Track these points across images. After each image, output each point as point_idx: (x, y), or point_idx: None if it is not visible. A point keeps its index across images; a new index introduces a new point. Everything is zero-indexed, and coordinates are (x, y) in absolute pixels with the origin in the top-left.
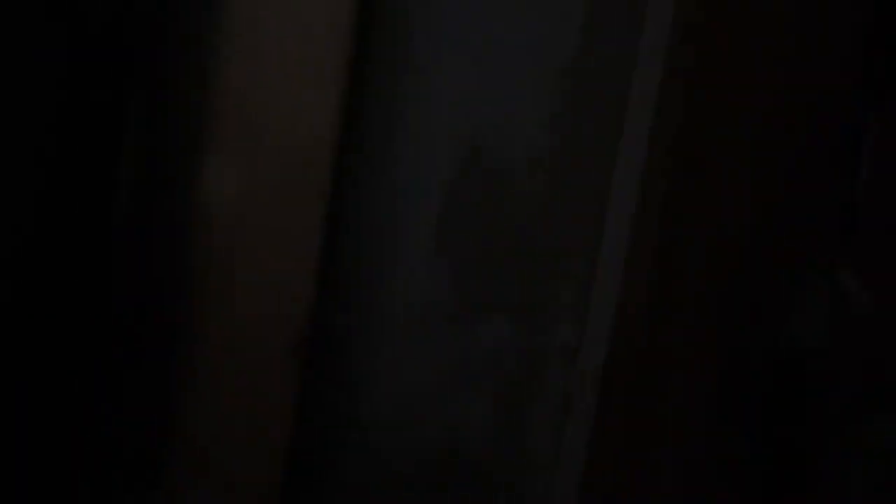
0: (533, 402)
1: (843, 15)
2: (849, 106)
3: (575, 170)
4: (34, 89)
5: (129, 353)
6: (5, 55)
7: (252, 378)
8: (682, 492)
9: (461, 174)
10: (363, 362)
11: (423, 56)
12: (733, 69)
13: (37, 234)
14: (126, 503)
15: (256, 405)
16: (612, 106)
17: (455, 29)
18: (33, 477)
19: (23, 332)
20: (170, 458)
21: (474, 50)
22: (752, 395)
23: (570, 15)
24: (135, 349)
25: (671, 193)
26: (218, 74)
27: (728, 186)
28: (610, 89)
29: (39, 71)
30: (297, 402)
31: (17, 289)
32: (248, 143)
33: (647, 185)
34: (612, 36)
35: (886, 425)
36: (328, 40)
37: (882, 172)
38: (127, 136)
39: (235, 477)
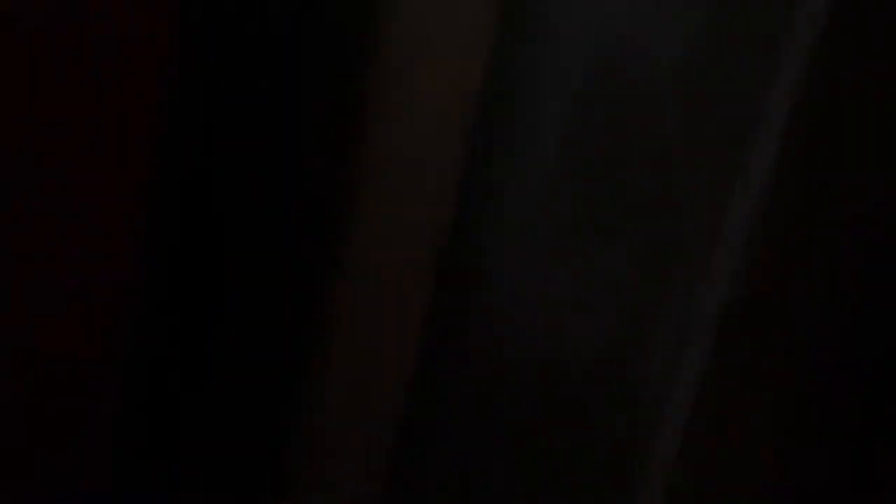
0: (651, 332)
1: None
2: None
3: (717, 98)
4: None
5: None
6: None
7: (390, 283)
8: (774, 458)
9: (593, 88)
10: (493, 276)
11: None
12: None
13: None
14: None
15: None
16: (766, 33)
17: None
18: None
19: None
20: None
21: None
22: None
23: None
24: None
25: (818, 147)
26: None
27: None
28: (765, 16)
29: None
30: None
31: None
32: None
33: (795, 128)
34: None
35: None
36: None
37: None
38: None
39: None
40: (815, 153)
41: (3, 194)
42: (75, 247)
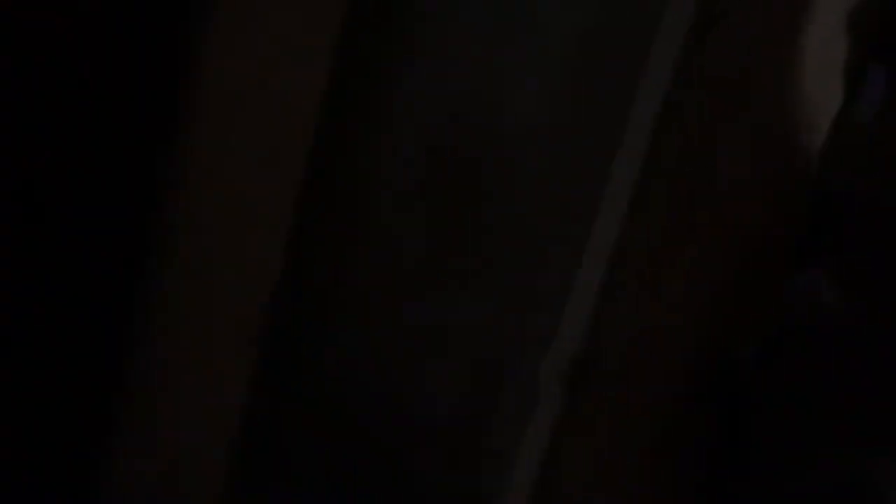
0: (501, 386)
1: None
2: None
3: (571, 150)
4: None
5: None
6: None
7: (211, 349)
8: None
9: (445, 136)
10: (335, 319)
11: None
12: (753, 60)
13: None
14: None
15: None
16: (621, 88)
17: None
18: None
19: None
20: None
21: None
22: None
23: None
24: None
25: (672, 192)
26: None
27: (730, 189)
28: (621, 68)
29: None
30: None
31: None
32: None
33: (646, 179)
34: (631, 9)
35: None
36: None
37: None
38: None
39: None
40: (663, 209)
41: None
42: None
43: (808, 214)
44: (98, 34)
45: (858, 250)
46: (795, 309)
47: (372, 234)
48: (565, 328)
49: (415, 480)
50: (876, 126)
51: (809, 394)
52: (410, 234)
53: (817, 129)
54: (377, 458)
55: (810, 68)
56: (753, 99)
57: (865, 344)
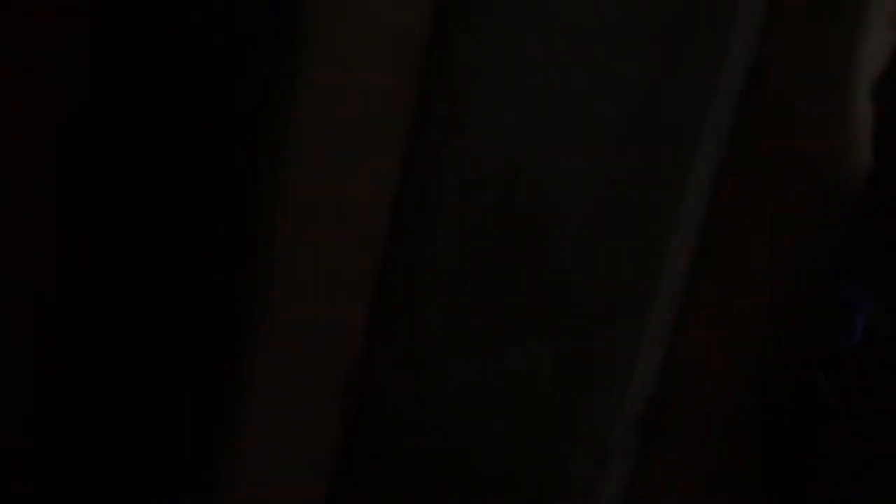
0: (574, 436)
1: None
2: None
3: (624, 217)
4: None
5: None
6: None
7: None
8: None
9: (500, 194)
10: (410, 371)
11: (466, 69)
12: (809, 116)
13: None
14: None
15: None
16: (676, 155)
17: (505, 41)
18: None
19: None
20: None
21: (522, 70)
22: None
23: (637, 47)
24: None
25: (732, 253)
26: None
27: (785, 237)
28: (675, 134)
29: None
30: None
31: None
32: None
33: (710, 223)
34: (685, 75)
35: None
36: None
37: None
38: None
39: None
40: (726, 255)
41: None
42: None
43: (855, 233)
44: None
45: None
46: (849, 330)
47: (436, 288)
48: (637, 374)
49: None
50: None
51: (885, 418)
52: (472, 289)
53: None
54: None
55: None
56: (808, 145)
57: None
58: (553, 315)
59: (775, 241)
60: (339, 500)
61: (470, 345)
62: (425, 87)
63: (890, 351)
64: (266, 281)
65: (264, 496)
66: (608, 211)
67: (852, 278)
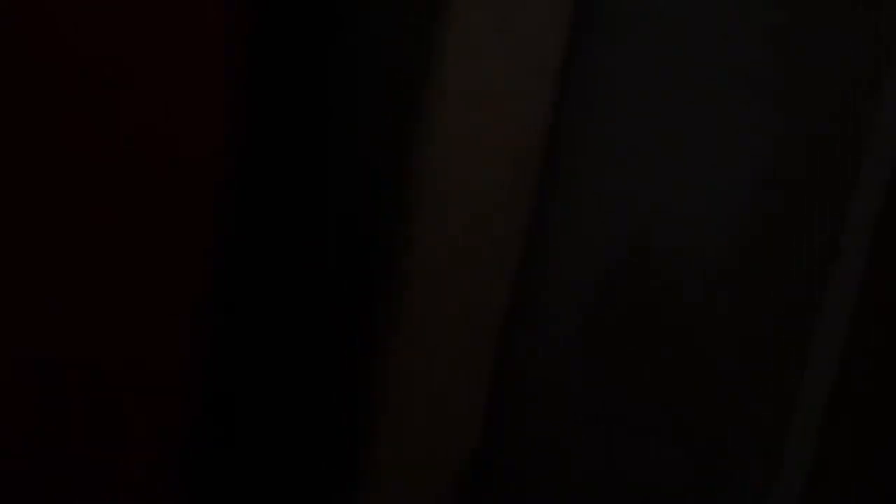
0: None
1: None
2: None
3: (765, 293)
4: None
5: None
6: None
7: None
8: None
9: (618, 276)
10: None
11: (596, 131)
12: None
13: None
14: None
15: None
16: (822, 229)
17: (638, 103)
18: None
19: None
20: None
21: (656, 132)
22: None
23: (768, 124)
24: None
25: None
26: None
27: None
28: (821, 205)
29: None
30: None
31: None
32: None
33: (858, 324)
34: (830, 151)
35: None
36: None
37: None
38: None
39: None
40: (872, 378)
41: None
42: (146, 253)
43: None
44: None
45: None
46: None
47: (543, 376)
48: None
49: None
50: None
51: None
52: (579, 377)
53: None
54: None
55: None
56: None
57: None
58: (678, 410)
59: None
60: None
61: (589, 433)
62: (545, 167)
63: None
64: (385, 374)
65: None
66: (743, 291)
67: None
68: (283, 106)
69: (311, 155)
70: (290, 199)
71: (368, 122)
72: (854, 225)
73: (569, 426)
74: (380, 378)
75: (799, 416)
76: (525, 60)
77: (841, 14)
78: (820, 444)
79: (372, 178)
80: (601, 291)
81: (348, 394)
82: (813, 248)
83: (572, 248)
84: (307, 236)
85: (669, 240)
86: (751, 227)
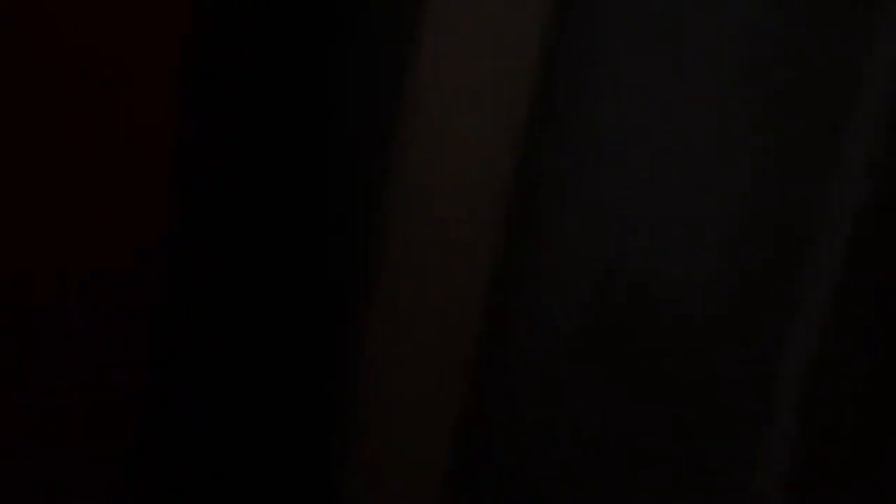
0: None
1: None
2: None
3: (741, 317)
4: None
5: None
6: None
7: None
8: None
9: (599, 297)
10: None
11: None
12: None
13: None
14: None
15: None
16: (793, 256)
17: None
18: None
19: None
20: None
21: (624, 169)
22: None
23: (747, 150)
24: None
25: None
26: None
27: None
28: (791, 234)
29: None
30: None
31: None
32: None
33: (831, 346)
34: (800, 176)
35: None
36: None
37: None
38: None
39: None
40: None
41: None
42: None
43: None
44: None
45: None
46: None
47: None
48: None
49: None
50: None
51: None
52: (572, 388)
53: None
54: None
55: None
56: None
57: None
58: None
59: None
60: None
61: (577, 440)
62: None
63: None
64: (358, 402)
65: None
66: (719, 315)
67: None
68: (259, 101)
69: (290, 150)
70: (267, 192)
71: (347, 116)
72: (833, 239)
73: (559, 433)
74: (361, 373)
75: (778, 429)
76: (507, 58)
77: (841, 14)
78: (808, 453)
79: (351, 174)
80: (590, 295)
81: (328, 391)
82: (798, 260)
83: (558, 252)
84: (285, 231)
85: (654, 253)
86: (738, 238)
